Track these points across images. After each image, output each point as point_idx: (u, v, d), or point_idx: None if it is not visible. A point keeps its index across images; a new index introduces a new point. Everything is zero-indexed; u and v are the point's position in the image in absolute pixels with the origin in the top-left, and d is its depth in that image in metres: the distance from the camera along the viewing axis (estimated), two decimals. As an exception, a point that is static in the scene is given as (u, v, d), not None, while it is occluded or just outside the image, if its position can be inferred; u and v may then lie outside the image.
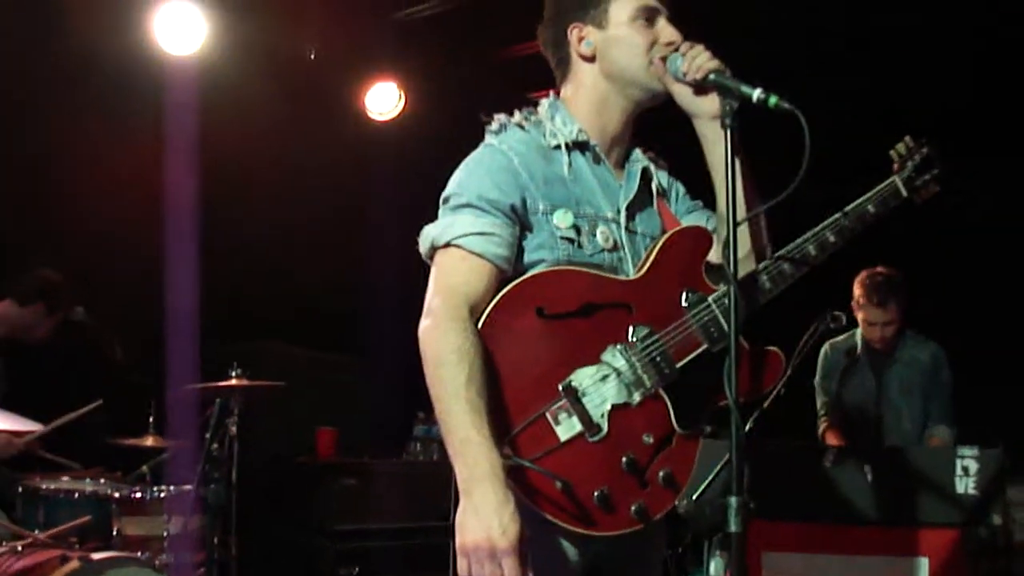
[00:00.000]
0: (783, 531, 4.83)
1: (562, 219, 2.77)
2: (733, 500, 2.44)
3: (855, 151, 4.46)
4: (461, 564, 2.48)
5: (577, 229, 2.79)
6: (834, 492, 4.94)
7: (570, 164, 2.87)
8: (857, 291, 6.08)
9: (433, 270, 2.74)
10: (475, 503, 2.45)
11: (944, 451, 5.08)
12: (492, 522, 2.42)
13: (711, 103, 2.84)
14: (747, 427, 3.88)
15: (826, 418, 6.30)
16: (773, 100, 2.58)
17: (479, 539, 2.43)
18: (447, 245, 2.71)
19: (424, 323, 2.63)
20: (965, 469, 4.76)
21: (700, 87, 2.83)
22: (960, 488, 4.76)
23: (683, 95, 2.90)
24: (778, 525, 4.77)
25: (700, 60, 2.78)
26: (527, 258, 2.76)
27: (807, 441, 6.15)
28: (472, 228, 2.69)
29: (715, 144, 2.87)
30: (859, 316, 6.11)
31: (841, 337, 6.23)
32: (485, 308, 2.63)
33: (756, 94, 2.61)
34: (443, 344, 2.55)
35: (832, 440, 6.16)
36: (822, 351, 6.30)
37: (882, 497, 4.87)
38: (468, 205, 2.73)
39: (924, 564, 4.75)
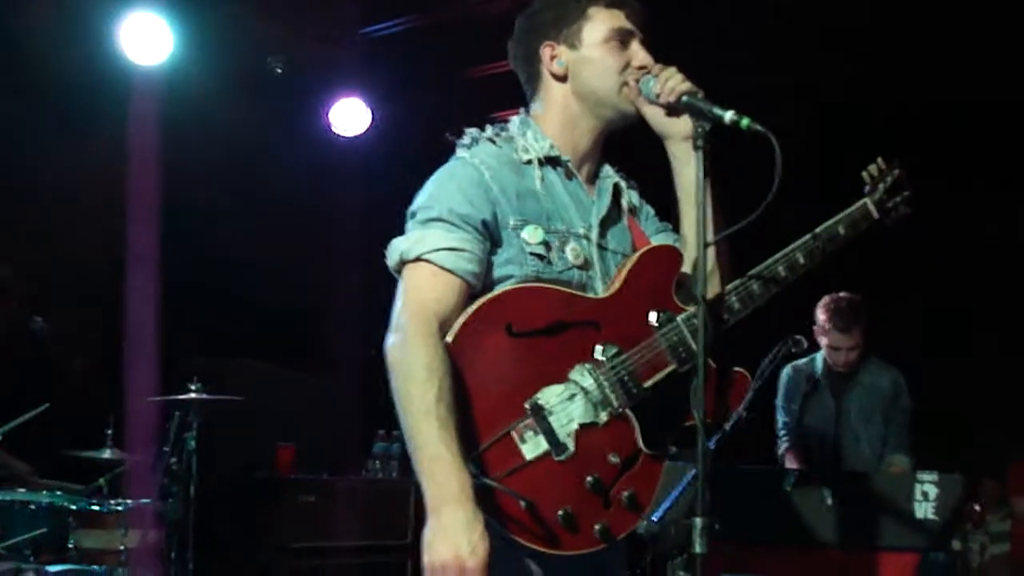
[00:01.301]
0: (742, 553, 4.83)
1: (532, 235, 2.76)
2: (698, 521, 2.44)
3: (826, 171, 4.49)
4: None
5: (547, 245, 2.78)
6: (794, 515, 4.95)
7: (542, 179, 2.87)
8: (821, 317, 6.10)
9: (401, 284, 2.71)
10: (444, 522, 2.42)
11: (903, 476, 5.10)
12: (461, 541, 2.40)
13: (683, 125, 2.84)
14: (712, 446, 3.87)
15: (786, 439, 6.32)
16: (745, 122, 2.59)
17: (447, 558, 2.40)
18: (417, 259, 2.69)
19: (392, 339, 2.60)
20: (924, 494, 4.78)
21: (672, 108, 2.84)
22: (919, 513, 4.78)
23: (655, 116, 2.91)
24: (737, 547, 4.77)
25: (673, 82, 2.79)
26: (496, 273, 2.74)
27: (768, 464, 6.17)
28: (443, 243, 2.67)
29: (685, 165, 2.88)
30: (822, 341, 6.13)
31: (803, 360, 6.25)
32: (453, 324, 2.61)
33: (728, 116, 2.62)
34: (412, 360, 2.52)
35: (791, 462, 6.18)
36: (783, 373, 6.32)
37: (841, 521, 4.88)
38: (439, 219, 2.71)
39: (882, 589, 4.77)
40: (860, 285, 6.12)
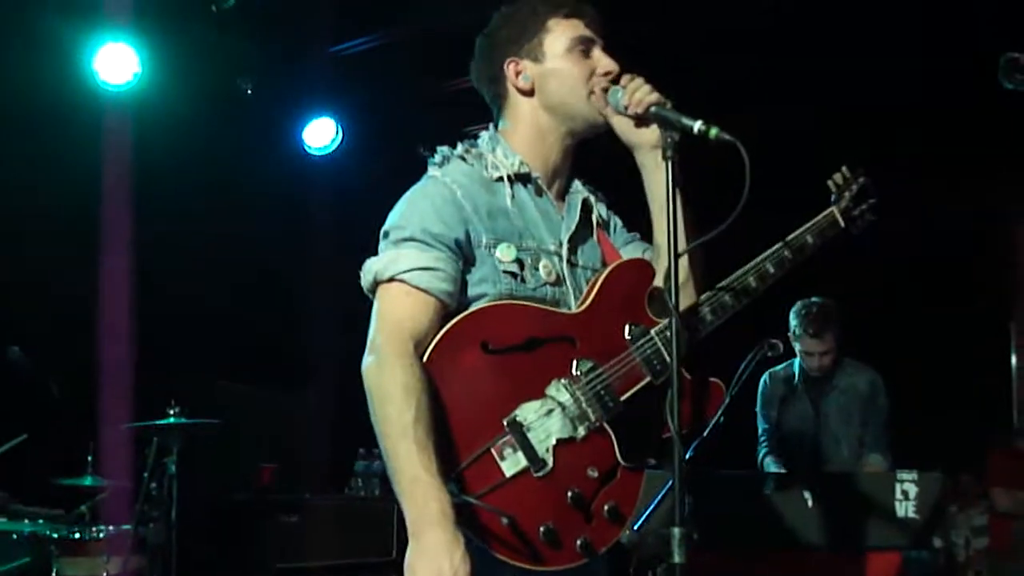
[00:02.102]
0: (725, 560, 4.83)
1: (505, 253, 2.77)
2: (676, 531, 2.45)
3: (792, 180, 4.51)
4: None
5: (520, 263, 2.78)
6: (775, 518, 4.96)
7: (513, 196, 2.87)
8: (793, 322, 6.12)
9: (376, 305, 2.71)
10: (425, 544, 2.42)
11: (884, 476, 5.13)
12: (443, 563, 2.40)
13: (651, 135, 2.85)
14: (688, 455, 3.88)
15: (765, 444, 6.34)
16: (714, 132, 2.60)
17: None
18: (391, 280, 2.69)
19: (368, 360, 2.61)
20: (905, 493, 4.81)
21: (641, 119, 2.85)
22: (900, 512, 4.80)
23: (623, 127, 2.91)
24: (720, 554, 4.78)
25: (640, 94, 2.80)
26: (470, 292, 2.75)
27: (747, 469, 6.18)
28: (416, 263, 2.67)
29: (655, 175, 2.89)
30: (796, 346, 6.16)
31: (780, 366, 6.28)
32: (429, 343, 2.61)
33: (697, 126, 2.63)
34: (389, 381, 2.52)
35: (771, 467, 6.20)
36: (762, 380, 6.34)
37: (823, 523, 4.90)
38: (412, 239, 2.71)
39: (866, 589, 4.79)
40: (831, 286, 6.14)
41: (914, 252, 7.83)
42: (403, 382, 2.51)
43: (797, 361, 6.25)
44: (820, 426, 6.21)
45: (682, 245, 2.70)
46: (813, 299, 6.07)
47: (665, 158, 2.66)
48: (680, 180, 2.67)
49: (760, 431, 6.39)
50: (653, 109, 2.77)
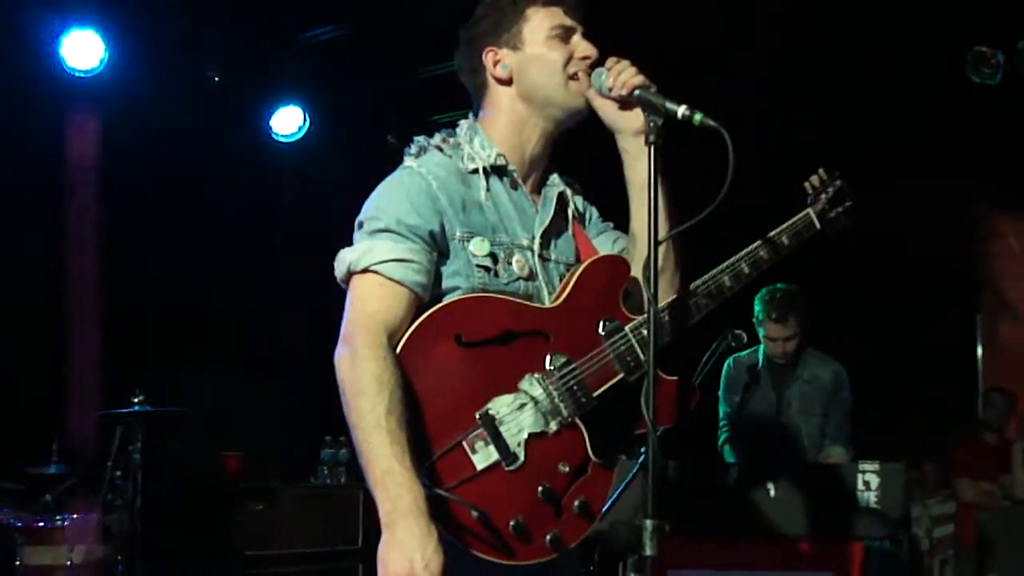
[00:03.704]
0: (688, 548, 4.86)
1: (479, 247, 2.76)
2: (649, 523, 2.47)
3: (771, 176, 4.53)
4: None
5: (493, 257, 2.78)
6: (738, 508, 4.99)
7: (488, 189, 2.86)
8: (757, 307, 6.14)
9: (349, 295, 2.70)
10: (398, 536, 2.42)
11: (846, 466, 5.15)
12: (415, 555, 2.40)
13: (635, 119, 2.83)
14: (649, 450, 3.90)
15: (726, 430, 6.36)
16: (698, 117, 2.60)
17: (402, 572, 2.40)
18: (364, 271, 2.67)
19: (341, 351, 2.60)
20: (867, 483, 4.85)
21: (624, 102, 2.84)
22: (862, 502, 4.85)
23: (607, 110, 2.91)
24: (683, 542, 4.80)
25: (625, 75, 2.79)
26: (444, 284, 2.74)
27: (710, 457, 6.22)
28: (391, 254, 2.66)
29: (637, 160, 2.87)
30: (760, 332, 6.19)
31: (744, 352, 6.29)
32: (402, 335, 2.61)
33: (681, 111, 2.63)
34: (362, 373, 2.52)
35: (730, 455, 6.23)
36: (725, 365, 6.35)
37: (785, 512, 4.93)
38: (386, 230, 2.69)
39: (828, 578, 4.83)
40: (797, 276, 6.18)
41: (882, 243, 7.88)
42: (376, 374, 2.51)
43: (762, 348, 6.28)
44: (781, 414, 6.22)
45: (663, 232, 2.69)
46: (778, 285, 6.09)
47: (648, 143, 2.66)
48: (662, 166, 2.66)
49: (721, 415, 6.40)
50: (637, 92, 2.75)
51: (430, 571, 2.41)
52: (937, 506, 8.42)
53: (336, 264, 2.76)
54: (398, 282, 2.65)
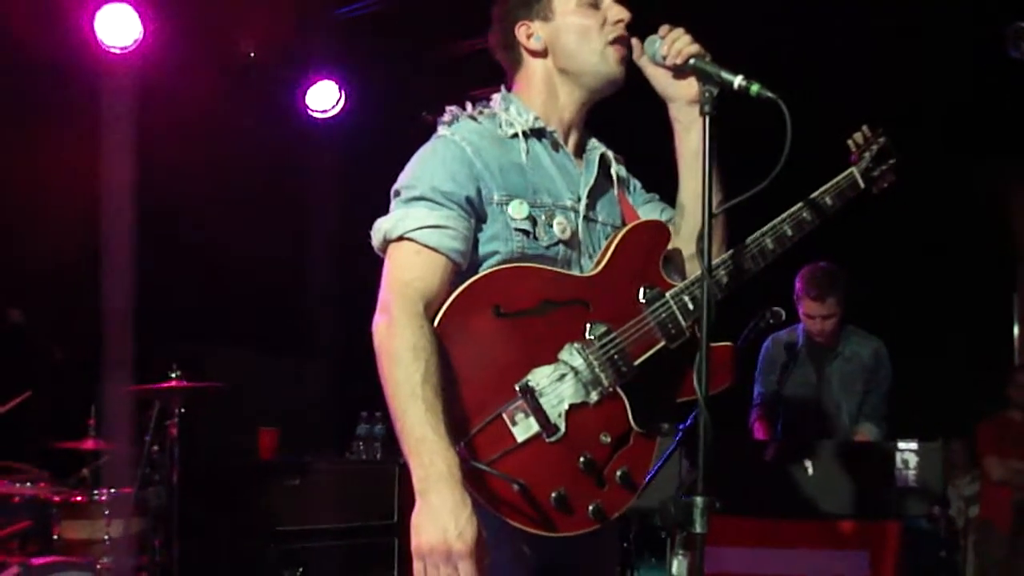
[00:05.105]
0: (724, 525, 4.85)
1: (517, 210, 2.73)
2: (700, 500, 2.44)
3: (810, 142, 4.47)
4: (417, 566, 2.44)
5: (533, 220, 2.75)
6: (775, 486, 4.98)
7: (527, 151, 2.83)
8: (798, 285, 6.10)
9: (386, 264, 2.69)
10: (431, 504, 2.41)
11: (884, 445, 5.13)
12: (448, 524, 2.38)
13: (689, 88, 2.82)
14: (688, 423, 3.88)
15: (758, 408, 6.34)
16: (755, 88, 2.56)
17: (435, 541, 2.39)
18: (400, 238, 2.66)
19: (378, 320, 2.58)
20: (905, 462, 4.82)
21: (679, 71, 2.81)
22: (900, 481, 4.81)
23: (660, 79, 2.89)
24: (720, 520, 4.78)
25: (680, 44, 2.75)
26: (481, 250, 2.72)
27: (746, 435, 6.20)
28: (426, 221, 2.64)
29: (688, 130, 2.87)
30: (799, 310, 6.15)
31: (784, 331, 6.26)
32: (440, 304, 2.59)
33: (737, 81, 2.59)
34: (398, 342, 2.50)
35: (759, 432, 6.21)
36: (764, 345, 6.34)
37: (822, 491, 4.92)
38: (422, 198, 2.68)
39: (864, 557, 4.79)
40: (835, 253, 6.14)
41: (919, 222, 7.82)
42: (412, 343, 2.49)
43: (801, 326, 6.24)
44: (822, 392, 6.20)
45: (715, 204, 2.64)
46: (820, 263, 6.06)
47: (702, 113, 2.61)
48: (716, 137, 2.61)
49: (755, 394, 6.39)
50: (692, 61, 2.72)
51: (463, 540, 2.39)
52: (967, 486, 8.37)
53: (373, 233, 2.75)
54: (434, 249, 2.63)
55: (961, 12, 6.31)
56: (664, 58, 2.79)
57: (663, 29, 2.83)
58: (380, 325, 2.57)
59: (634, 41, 2.89)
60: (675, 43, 2.77)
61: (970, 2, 6.23)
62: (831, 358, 6.18)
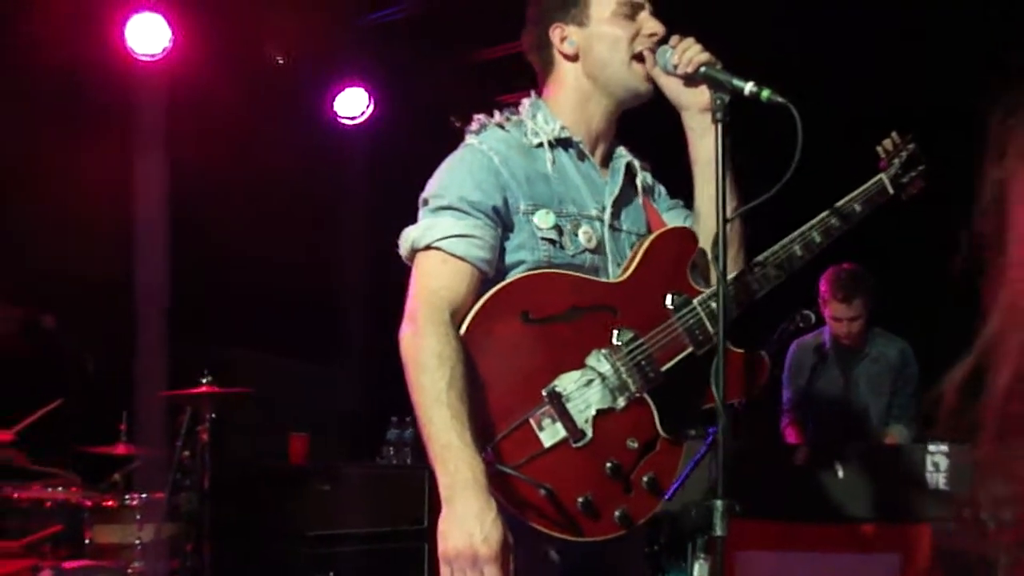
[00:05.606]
0: (756, 530, 4.84)
1: (543, 219, 2.75)
2: (719, 503, 2.45)
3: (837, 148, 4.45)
4: (444, 572, 2.46)
5: (559, 229, 2.77)
6: (805, 490, 4.96)
7: (553, 161, 2.85)
8: (823, 287, 6.10)
9: (413, 273, 2.71)
10: (457, 510, 2.43)
11: (915, 448, 5.10)
12: (474, 529, 2.40)
13: (701, 96, 2.83)
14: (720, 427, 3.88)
15: (789, 413, 6.33)
16: (766, 94, 2.58)
17: (461, 547, 2.41)
18: (428, 247, 2.69)
19: (405, 328, 2.61)
20: (936, 465, 4.79)
21: (690, 80, 2.82)
22: (931, 484, 4.79)
23: (672, 88, 2.90)
24: (750, 524, 4.78)
25: (691, 53, 2.77)
26: (508, 259, 2.74)
27: (776, 438, 6.19)
28: (453, 230, 2.67)
29: (702, 138, 2.88)
30: (825, 312, 6.13)
31: (810, 335, 6.25)
32: (467, 312, 2.61)
33: (748, 87, 2.61)
34: (424, 350, 2.53)
35: (791, 436, 6.19)
36: (791, 349, 6.32)
37: (853, 494, 4.90)
38: (449, 207, 2.70)
39: (896, 560, 4.77)
40: (861, 255, 6.11)
41: (944, 222, 7.77)
42: (437, 350, 2.52)
43: (827, 329, 6.23)
44: (849, 395, 6.19)
45: (729, 210, 2.66)
46: (845, 264, 6.04)
47: (715, 120, 2.64)
48: (729, 144, 2.64)
49: (784, 399, 6.38)
50: (703, 69, 2.74)
51: (489, 545, 2.41)
52: (996, 488, 8.30)
53: (400, 242, 2.78)
54: (460, 258, 2.65)
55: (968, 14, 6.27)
56: (675, 67, 2.81)
57: (674, 39, 2.85)
58: (407, 333, 2.60)
59: (645, 52, 2.90)
60: (686, 52, 2.79)
61: (982, 4, 6.19)
62: (858, 360, 6.17)
